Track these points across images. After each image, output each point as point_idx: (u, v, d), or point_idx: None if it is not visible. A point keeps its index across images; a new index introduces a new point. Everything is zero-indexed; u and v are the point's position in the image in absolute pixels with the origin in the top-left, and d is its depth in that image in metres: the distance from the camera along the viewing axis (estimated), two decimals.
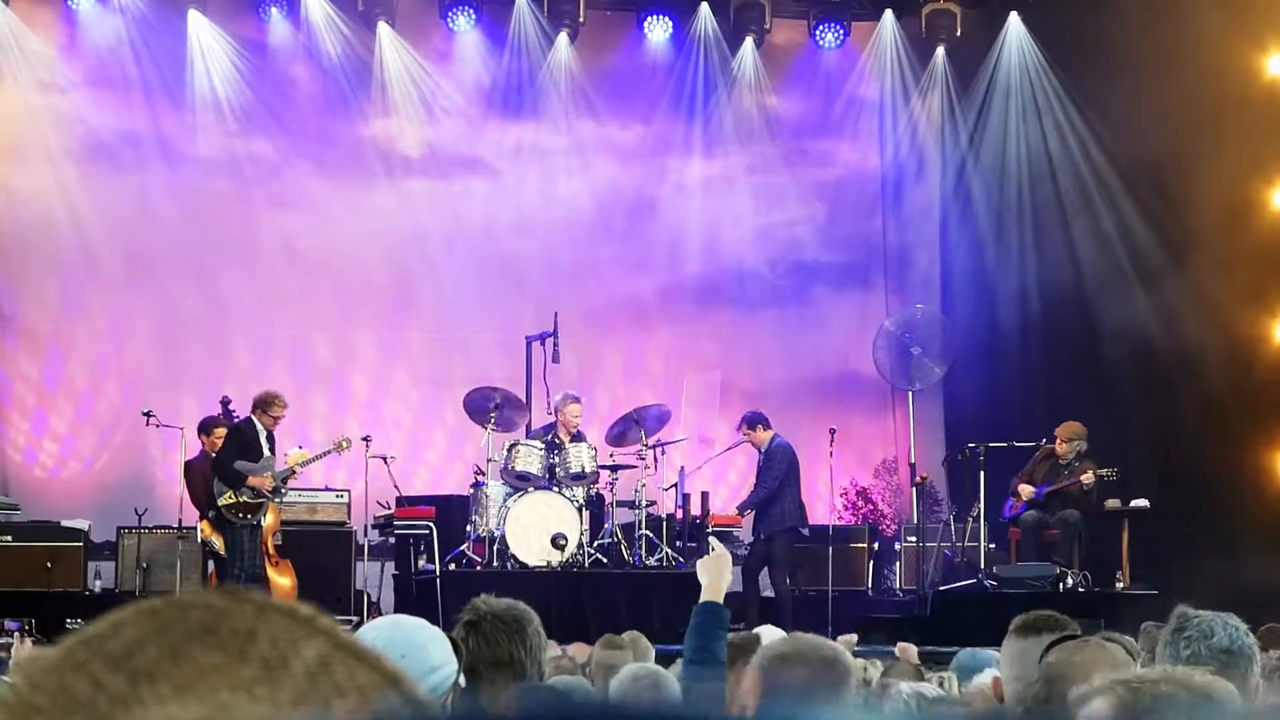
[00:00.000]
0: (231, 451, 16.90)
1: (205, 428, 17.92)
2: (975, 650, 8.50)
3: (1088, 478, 18.11)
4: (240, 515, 16.76)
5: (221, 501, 16.73)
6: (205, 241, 21.51)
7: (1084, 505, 18.30)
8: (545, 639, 4.60)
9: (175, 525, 18.05)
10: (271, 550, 17.58)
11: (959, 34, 22.19)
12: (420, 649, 4.36)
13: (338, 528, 18.92)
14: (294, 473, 17.03)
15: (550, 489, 17.41)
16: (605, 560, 17.60)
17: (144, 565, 18.21)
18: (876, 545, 20.00)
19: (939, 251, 22.78)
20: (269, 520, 17.25)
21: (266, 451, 16.89)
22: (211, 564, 18.10)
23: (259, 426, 16.90)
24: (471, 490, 17.86)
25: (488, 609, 4.53)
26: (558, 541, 17.07)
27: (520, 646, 4.49)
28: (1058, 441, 18.45)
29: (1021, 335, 21.36)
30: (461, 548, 17.54)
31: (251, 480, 16.69)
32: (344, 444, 17.50)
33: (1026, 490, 18.46)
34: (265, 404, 16.91)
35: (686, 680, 5.81)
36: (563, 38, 22.05)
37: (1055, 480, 18.35)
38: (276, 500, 17.00)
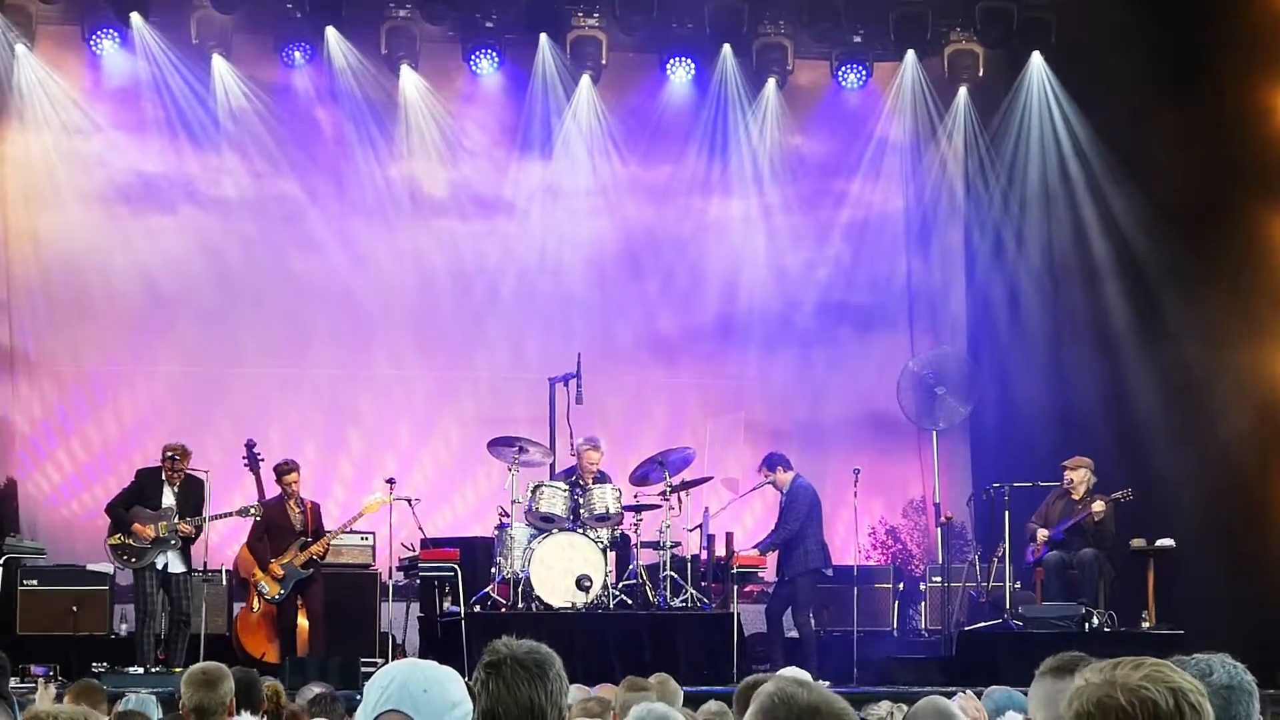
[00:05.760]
0: (126, 496, 17.39)
1: (279, 471, 18.02)
2: (1010, 690, 8.47)
3: (1098, 508, 18.11)
4: (123, 557, 17.14)
5: (110, 542, 17.16)
6: (230, 283, 21.59)
7: (1102, 538, 18.26)
8: (567, 683, 4.56)
9: (201, 568, 18.05)
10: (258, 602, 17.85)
11: (981, 74, 22.17)
12: (441, 685, 4.40)
13: (362, 570, 18.93)
14: (177, 530, 17.14)
15: (575, 530, 17.39)
16: (630, 601, 17.56)
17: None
18: (901, 585, 19.96)
19: (964, 292, 22.73)
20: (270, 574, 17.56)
21: (169, 501, 17.19)
22: (239, 606, 18.23)
23: (163, 477, 17.28)
24: (496, 532, 17.84)
25: (508, 652, 4.49)
26: (582, 583, 17.04)
27: (541, 692, 4.44)
28: (1066, 475, 18.45)
29: (1048, 376, 21.30)
30: (486, 590, 17.51)
31: (134, 527, 17.04)
32: (252, 510, 17.70)
33: (1042, 534, 18.44)
34: (162, 456, 17.40)
35: None
36: (585, 79, 22.08)
37: (1071, 517, 18.34)
38: (160, 551, 17.11)
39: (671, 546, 17.89)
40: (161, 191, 21.57)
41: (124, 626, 18.53)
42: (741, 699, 7.26)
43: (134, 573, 17.27)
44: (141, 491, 17.30)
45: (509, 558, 17.37)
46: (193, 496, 17.32)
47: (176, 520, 17.07)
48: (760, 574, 18.80)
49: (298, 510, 17.83)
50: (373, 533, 18.90)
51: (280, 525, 17.77)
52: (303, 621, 18.01)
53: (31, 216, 21.31)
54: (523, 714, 4.41)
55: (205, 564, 18.05)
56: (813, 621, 18.10)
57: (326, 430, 21.51)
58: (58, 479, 21.18)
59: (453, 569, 17.71)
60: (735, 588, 17.97)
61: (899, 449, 22.40)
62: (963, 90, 22.38)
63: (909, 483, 22.41)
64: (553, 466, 18.57)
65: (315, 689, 10.05)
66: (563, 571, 17.13)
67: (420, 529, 18.23)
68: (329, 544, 17.95)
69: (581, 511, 17.57)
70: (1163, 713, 3.19)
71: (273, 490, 17.96)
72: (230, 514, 17.59)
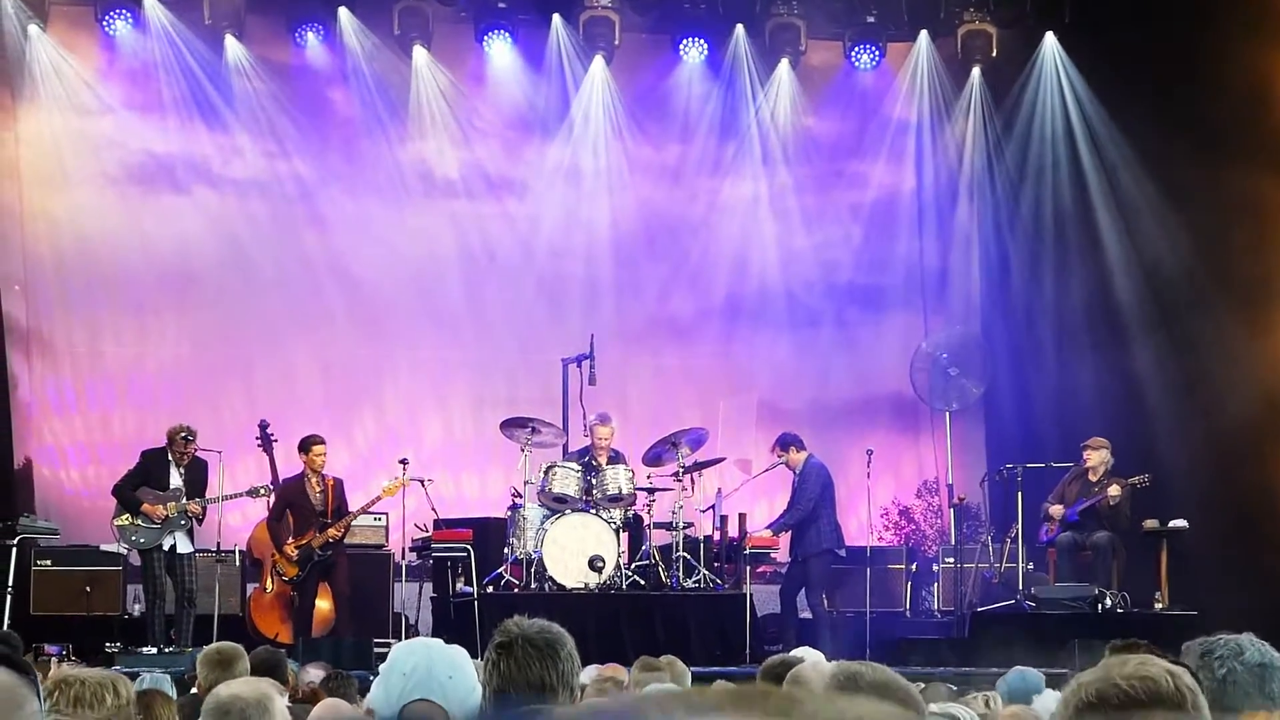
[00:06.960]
0: (133, 477, 17.29)
1: (303, 446, 17.95)
2: (1024, 671, 8.48)
3: (1114, 491, 18.05)
4: (132, 538, 17.06)
5: (117, 523, 17.05)
6: (243, 263, 21.60)
7: (1116, 521, 18.21)
8: (578, 662, 4.56)
9: (214, 549, 18.07)
10: (274, 582, 17.84)
11: (994, 55, 22.12)
12: (462, 669, 4.45)
13: (375, 550, 18.92)
14: (187, 510, 17.07)
15: (588, 511, 17.39)
16: (643, 582, 17.57)
17: None
18: (914, 566, 19.94)
19: (978, 272, 22.69)
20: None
21: (177, 482, 17.08)
22: (252, 586, 18.27)
23: (170, 458, 17.16)
24: (509, 512, 17.85)
25: (520, 632, 4.49)
26: (595, 564, 17.05)
27: (552, 671, 4.44)
28: (1086, 455, 18.39)
29: (1061, 356, 21.26)
30: (499, 570, 17.53)
31: (145, 507, 16.93)
32: (261, 490, 17.67)
33: (1057, 510, 18.39)
34: (169, 438, 17.28)
35: None
36: (598, 60, 22.06)
37: (1087, 498, 18.30)
38: (169, 531, 17.04)
39: (684, 527, 17.89)
40: (174, 172, 21.58)
41: (137, 607, 18.51)
42: (765, 679, 7.27)
43: (142, 554, 17.22)
44: (148, 472, 17.23)
45: (522, 538, 17.38)
46: (199, 477, 17.28)
47: (185, 501, 17.05)
48: (773, 555, 18.80)
49: (318, 489, 17.72)
50: (386, 513, 18.89)
51: (300, 505, 17.67)
52: (323, 604, 17.97)
53: (45, 197, 21.32)
54: (534, 693, 4.41)
55: (219, 544, 18.07)
56: (825, 602, 18.10)
57: (339, 410, 21.50)
58: (72, 459, 21.20)
59: (465, 549, 17.75)
60: (748, 568, 17.99)
61: (912, 429, 22.41)
62: (976, 71, 22.32)
63: (922, 463, 22.40)
64: (565, 447, 18.57)
65: (314, 670, 10.07)
66: (575, 552, 17.14)
67: (433, 509, 18.23)
68: (348, 526, 17.86)
69: (594, 492, 17.56)
70: (1163, 690, 3.19)
71: (287, 470, 17.91)
72: (240, 494, 17.57)
